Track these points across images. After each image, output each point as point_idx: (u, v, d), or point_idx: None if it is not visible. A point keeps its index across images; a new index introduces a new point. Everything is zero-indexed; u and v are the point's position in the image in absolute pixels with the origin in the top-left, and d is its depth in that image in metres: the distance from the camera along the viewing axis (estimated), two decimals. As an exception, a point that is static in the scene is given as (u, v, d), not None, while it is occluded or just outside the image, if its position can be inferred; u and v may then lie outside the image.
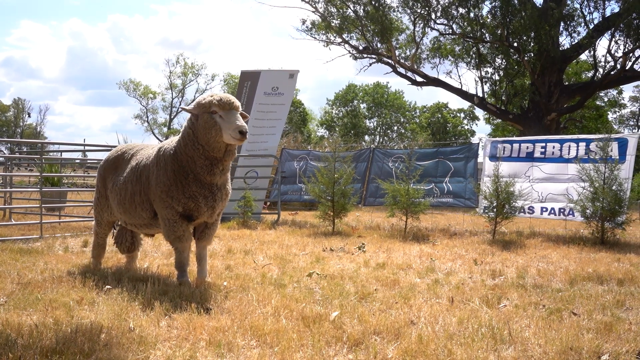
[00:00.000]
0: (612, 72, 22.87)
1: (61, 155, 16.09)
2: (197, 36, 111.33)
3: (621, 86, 38.81)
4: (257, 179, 13.37)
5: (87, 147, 13.78)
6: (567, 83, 28.88)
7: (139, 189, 5.57)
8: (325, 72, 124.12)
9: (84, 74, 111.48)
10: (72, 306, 4.39)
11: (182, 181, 5.21)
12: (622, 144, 10.16)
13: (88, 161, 15.96)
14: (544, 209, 10.85)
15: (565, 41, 23.36)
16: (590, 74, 29.60)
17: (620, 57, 22.29)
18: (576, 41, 23.33)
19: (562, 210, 10.63)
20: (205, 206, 5.30)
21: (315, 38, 27.50)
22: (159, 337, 3.70)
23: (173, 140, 5.53)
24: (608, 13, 20.93)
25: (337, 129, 56.62)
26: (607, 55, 23.13)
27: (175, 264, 5.54)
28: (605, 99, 44.01)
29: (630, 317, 4.47)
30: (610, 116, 48.72)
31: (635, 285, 5.87)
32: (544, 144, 11.21)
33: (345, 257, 7.66)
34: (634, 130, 52.22)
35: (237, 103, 5.09)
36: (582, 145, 10.67)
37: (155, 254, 7.52)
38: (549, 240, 9.76)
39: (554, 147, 11.04)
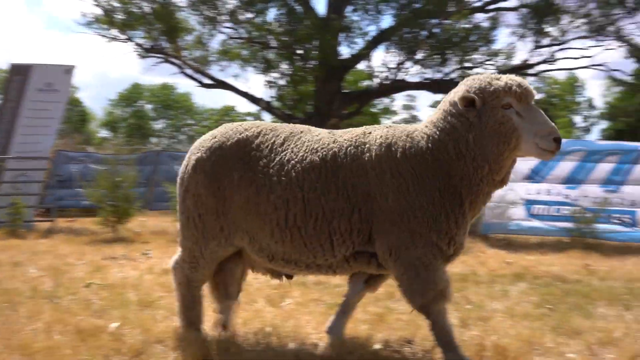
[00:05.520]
0: (387, 82, 25.05)
1: None
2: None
3: (394, 95, 42.70)
4: (28, 184, 12.21)
5: None
6: (347, 91, 30.95)
7: (342, 208, 3.43)
8: (109, 70, 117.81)
9: None
10: None
11: (454, 209, 3.39)
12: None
13: None
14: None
15: (345, 51, 25.33)
16: (368, 83, 32.13)
17: (393, 68, 24.51)
18: (355, 51, 25.12)
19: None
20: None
21: (97, 33, 25.97)
22: None
23: (410, 132, 3.55)
24: (386, 26, 22.81)
25: (121, 130, 54.14)
26: (382, 65, 25.30)
27: (438, 339, 3.44)
28: (381, 106, 48.12)
29: (400, 308, 4.84)
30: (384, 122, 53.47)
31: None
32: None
33: (129, 264, 7.32)
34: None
35: (535, 92, 3.38)
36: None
37: None
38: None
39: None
